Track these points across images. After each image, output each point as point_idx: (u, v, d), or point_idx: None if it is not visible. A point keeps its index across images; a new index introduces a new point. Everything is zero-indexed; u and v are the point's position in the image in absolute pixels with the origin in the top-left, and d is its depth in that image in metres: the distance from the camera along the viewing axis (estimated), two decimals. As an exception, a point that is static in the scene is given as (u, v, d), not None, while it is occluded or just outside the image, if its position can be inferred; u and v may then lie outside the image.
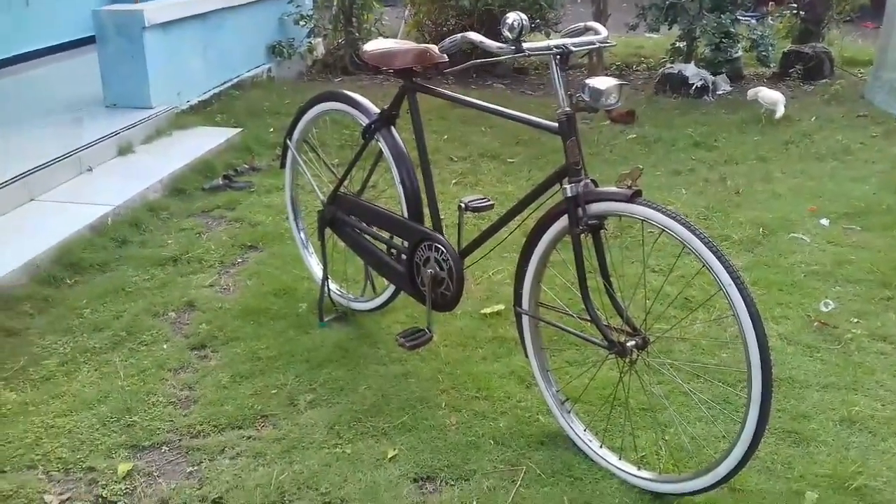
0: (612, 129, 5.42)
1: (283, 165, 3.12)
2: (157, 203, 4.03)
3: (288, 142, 3.02)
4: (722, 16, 6.40)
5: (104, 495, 2.08)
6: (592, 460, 2.21)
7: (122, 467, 2.17)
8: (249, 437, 2.30)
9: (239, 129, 5.16)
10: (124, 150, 4.62)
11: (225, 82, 6.14)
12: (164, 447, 2.27)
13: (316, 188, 2.96)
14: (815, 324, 2.91)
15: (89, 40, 5.93)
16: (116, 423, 2.36)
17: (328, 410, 2.43)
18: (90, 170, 4.30)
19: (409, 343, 2.44)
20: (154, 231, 3.75)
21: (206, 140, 4.91)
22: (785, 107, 5.45)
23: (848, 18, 7.41)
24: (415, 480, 2.15)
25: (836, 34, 7.45)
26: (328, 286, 2.95)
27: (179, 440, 2.30)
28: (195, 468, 2.18)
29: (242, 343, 2.79)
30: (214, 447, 2.26)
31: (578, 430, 2.26)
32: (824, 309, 2.99)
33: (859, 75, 6.81)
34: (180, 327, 2.92)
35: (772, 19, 7.74)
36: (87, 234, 3.55)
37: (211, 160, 4.63)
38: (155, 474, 2.16)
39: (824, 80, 6.65)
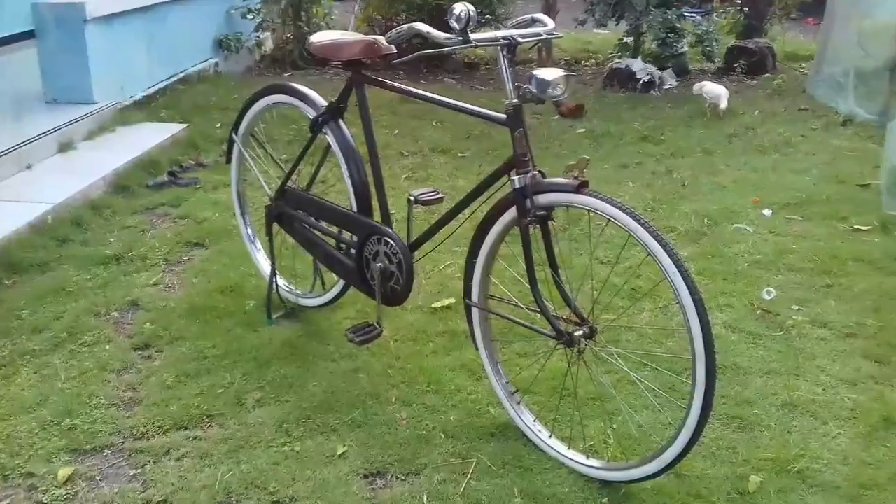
0: (562, 124, 5.46)
1: (228, 161, 3.07)
2: (99, 200, 3.93)
3: (234, 136, 2.97)
4: (668, 12, 6.50)
5: (44, 501, 2.02)
6: (542, 450, 2.22)
7: (63, 472, 2.11)
8: (195, 438, 2.26)
9: (185, 125, 5.07)
10: (65, 147, 4.50)
11: (170, 77, 6.03)
12: (107, 450, 2.21)
13: (263, 183, 2.91)
14: (758, 312, 2.97)
15: (29, 34, 5.76)
16: (57, 426, 2.29)
17: (276, 408, 2.40)
18: (30, 167, 4.18)
19: (358, 338, 2.42)
20: (96, 229, 3.65)
21: (151, 136, 4.81)
22: (728, 101, 5.55)
23: (792, 16, 7.59)
24: (365, 476, 2.13)
25: (778, 30, 7.62)
26: (276, 282, 2.91)
27: (122, 443, 2.24)
28: (139, 471, 2.13)
29: (188, 342, 2.74)
30: (159, 449, 2.21)
31: (528, 421, 2.27)
32: (767, 297, 3.06)
33: (801, 70, 6.98)
34: (123, 327, 2.86)
35: (716, 15, 7.89)
36: (26, 233, 3.45)
37: (156, 156, 4.54)
38: (97, 478, 2.11)
39: (767, 75, 6.80)
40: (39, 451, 2.18)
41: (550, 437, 2.23)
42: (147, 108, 5.45)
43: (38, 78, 5.13)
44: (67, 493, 2.05)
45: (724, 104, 5.51)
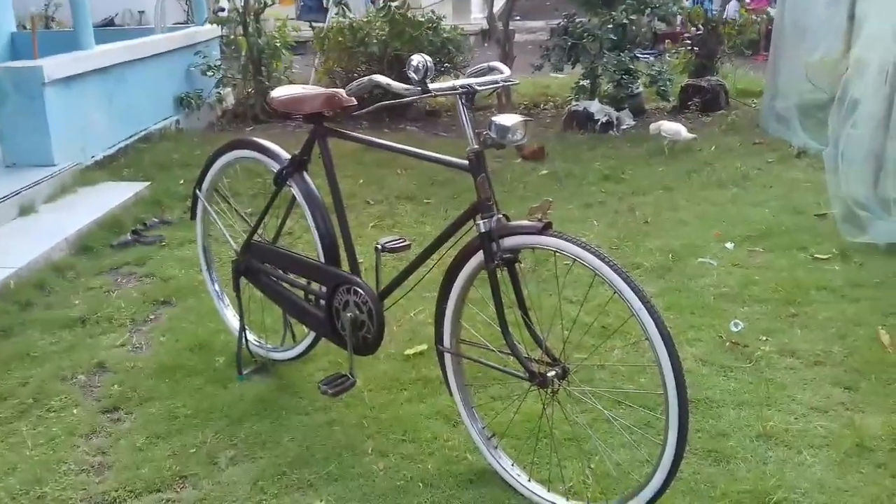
0: (524, 167, 5.53)
1: (193, 217, 3.06)
2: (62, 262, 3.88)
3: (198, 192, 2.97)
4: (621, 54, 6.67)
5: (12, 575, 1.96)
6: (522, 494, 2.21)
7: (32, 543, 2.05)
8: (169, 500, 2.21)
9: (147, 183, 5.05)
10: (26, 210, 4.45)
11: (132, 136, 6.02)
12: (77, 518, 2.16)
13: (229, 238, 2.90)
14: (727, 344, 3.00)
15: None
16: (25, 495, 2.23)
17: (251, 466, 2.36)
18: (-11, 232, 4.12)
19: (332, 390, 2.40)
20: (60, 292, 3.60)
21: (114, 195, 4.78)
22: (689, 132, 5.71)
23: (745, 53, 7.83)
24: (344, 530, 2.10)
25: (729, 67, 7.86)
26: (246, 337, 2.88)
27: (93, 509, 2.18)
28: (111, 537, 2.08)
29: (158, 402, 2.69)
30: (131, 513, 2.16)
31: (506, 465, 2.25)
32: (734, 329, 3.10)
33: (753, 105, 7.19)
34: (91, 390, 2.80)
35: (668, 56, 8.14)
36: (-13, 298, 3.39)
37: (119, 215, 4.51)
38: (67, 547, 2.05)
39: (721, 111, 6.98)
40: (6, 524, 2.12)
41: (529, 480, 2.21)
42: (109, 167, 5.43)
43: (-2, 140, 5.09)
44: (36, 566, 1.99)
45: (686, 134, 5.67)
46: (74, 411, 2.65)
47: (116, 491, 2.25)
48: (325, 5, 8.70)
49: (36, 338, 3.14)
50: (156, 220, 4.55)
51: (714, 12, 8.17)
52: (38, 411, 2.65)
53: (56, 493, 2.24)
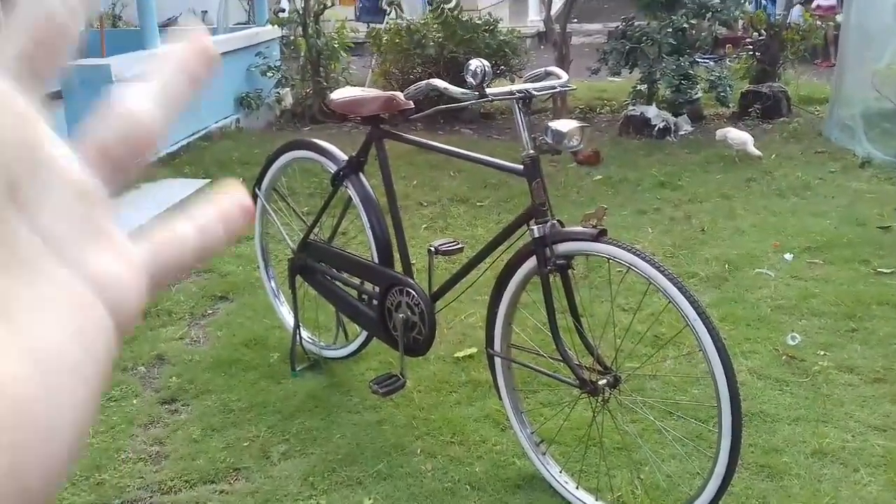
0: (579, 171, 5.50)
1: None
2: (125, 256, 3.99)
3: (257, 191, 3.03)
4: (681, 59, 6.58)
5: (72, 557, 2.03)
6: (569, 502, 2.20)
7: (91, 527, 2.12)
8: (222, 492, 2.27)
9: (208, 180, 5.17)
10: (92, 204, 4.59)
11: (193, 134, 6.16)
12: (135, 505, 2.23)
13: (286, 236, 2.96)
14: (784, 357, 2.95)
15: (56, 95, 5.93)
16: (85, 481, 2.31)
17: (302, 461, 2.40)
18: (57, 224, 4.27)
19: (382, 390, 2.43)
20: (122, 284, 3.70)
21: (176, 191, 4.91)
22: (755, 146, 5.57)
23: (811, 59, 7.63)
24: (391, 529, 2.12)
25: (791, 73, 7.68)
26: (300, 335, 2.93)
27: (150, 497, 2.25)
28: (166, 525, 2.14)
29: (213, 395, 2.76)
30: (186, 503, 2.22)
31: (554, 472, 2.25)
32: (791, 342, 3.03)
33: (816, 113, 7.01)
34: (150, 381, 2.88)
35: (729, 61, 7.99)
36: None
37: (180, 212, 4.62)
38: (125, 533, 2.12)
39: (782, 119, 6.83)
40: (68, 508, 2.20)
41: (577, 488, 2.21)
42: (171, 164, 5.57)
43: (64, 138, 5.26)
44: (95, 550, 2.06)
45: (752, 148, 5.52)
46: (134, 401, 2.74)
47: (172, 480, 2.31)
48: (382, 6, 8.78)
49: (99, 328, 3.24)
50: (215, 216, 4.65)
51: (777, 17, 8.00)
52: (100, 400, 2.73)
53: (114, 479, 2.32)
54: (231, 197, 0.34)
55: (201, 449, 2.46)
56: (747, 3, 7.94)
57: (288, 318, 3.09)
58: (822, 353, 2.97)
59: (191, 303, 3.51)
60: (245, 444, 2.48)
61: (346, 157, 2.70)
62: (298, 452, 2.44)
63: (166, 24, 9.76)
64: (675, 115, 6.56)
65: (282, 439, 2.51)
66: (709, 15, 6.84)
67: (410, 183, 5.17)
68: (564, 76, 2.29)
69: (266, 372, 2.90)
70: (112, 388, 2.80)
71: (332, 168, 2.70)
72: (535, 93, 2.16)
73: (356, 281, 2.73)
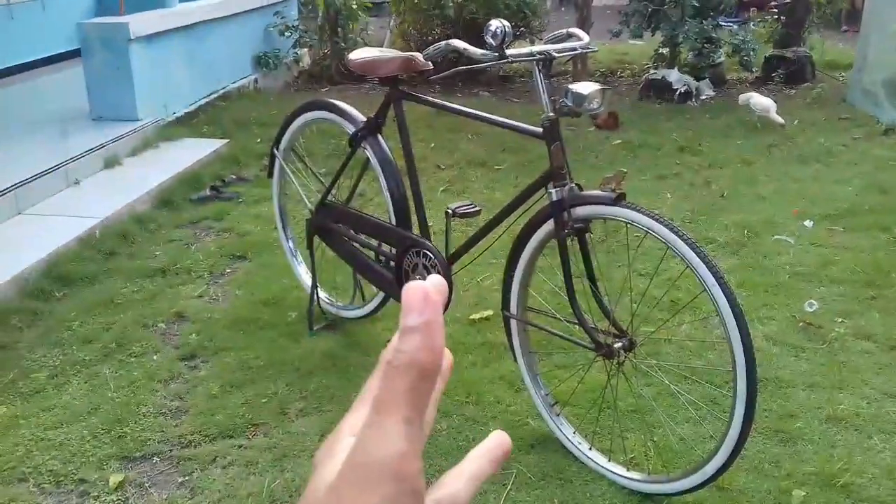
0: (598, 135, 5.46)
1: (270, 175, 3.13)
2: (144, 215, 4.03)
3: (275, 151, 3.04)
4: (704, 21, 6.47)
5: (96, 507, 2.09)
6: (582, 462, 2.23)
7: (114, 479, 2.17)
8: (241, 447, 2.31)
9: (226, 140, 5.17)
10: (111, 163, 4.62)
11: (211, 93, 6.16)
12: (156, 458, 2.27)
13: (304, 197, 2.97)
14: (801, 324, 2.94)
15: (75, 53, 5.93)
16: (107, 434, 2.36)
17: (319, 418, 2.44)
18: (77, 183, 4.30)
19: (398, 349, 2.44)
20: (142, 243, 3.75)
21: (194, 151, 4.92)
22: (778, 112, 5.49)
23: (837, 24, 7.46)
24: (406, 486, 2.16)
25: (816, 38, 7.54)
26: (317, 294, 2.96)
27: (171, 451, 2.30)
28: (187, 478, 2.19)
29: (232, 353, 2.79)
30: (206, 457, 2.26)
31: (568, 433, 2.27)
32: (809, 309, 3.03)
33: (840, 79, 6.89)
34: (170, 338, 2.93)
35: (753, 24, 7.83)
36: (75, 246, 3.55)
37: (198, 171, 4.64)
38: (146, 485, 2.17)
39: (806, 84, 6.72)
40: (91, 459, 2.25)
41: (591, 449, 2.23)
42: (189, 124, 5.58)
43: (84, 96, 5.28)
44: (118, 499, 2.11)
45: (775, 115, 5.44)
46: (154, 357, 2.78)
47: (192, 435, 2.36)
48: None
49: (119, 286, 3.29)
50: (233, 176, 4.68)
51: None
52: (121, 356, 2.79)
53: (135, 433, 2.37)
54: (496, 445, 0.45)
55: (220, 405, 2.50)
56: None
57: (305, 277, 3.11)
58: (840, 320, 2.96)
59: (210, 261, 3.54)
60: (263, 400, 2.52)
61: (364, 119, 2.69)
62: (315, 410, 2.48)
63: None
64: (697, 79, 6.47)
65: (299, 397, 2.54)
66: (734, -23, 6.70)
67: (428, 145, 5.15)
68: (586, 38, 2.25)
69: (284, 331, 2.93)
70: (133, 343, 2.85)
71: (351, 129, 2.69)
72: (556, 54, 2.14)
73: (374, 242, 2.74)
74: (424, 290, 0.37)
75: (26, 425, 2.39)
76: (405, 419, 0.36)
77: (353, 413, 0.42)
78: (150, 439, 2.34)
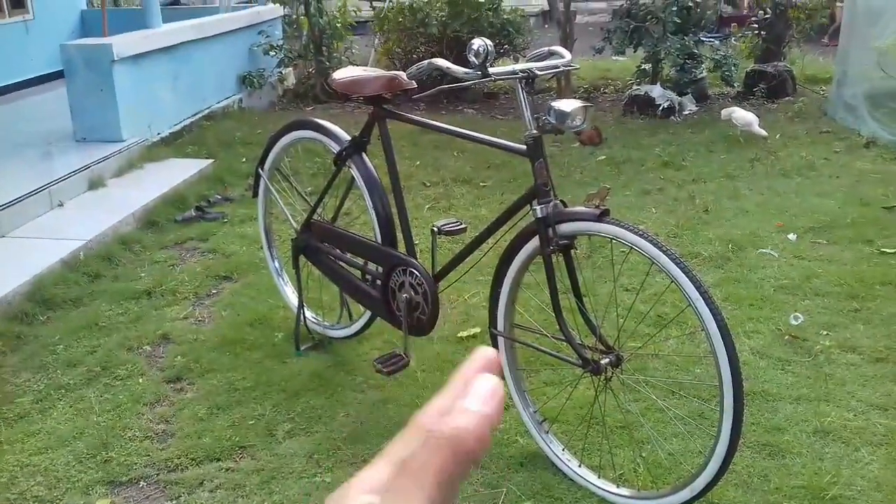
0: (582, 151, 5.49)
1: (255, 195, 3.13)
2: (129, 236, 4.01)
3: (260, 171, 3.03)
4: (685, 37, 6.54)
5: (81, 533, 2.06)
6: (572, 480, 2.22)
7: (100, 504, 2.15)
8: (228, 469, 2.29)
9: (211, 160, 5.16)
10: (95, 184, 4.60)
11: (196, 113, 6.15)
12: (142, 482, 2.25)
13: (289, 216, 2.96)
14: (786, 337, 2.95)
15: (58, 74, 5.92)
16: (93, 459, 2.33)
17: (307, 439, 2.42)
18: (61, 204, 4.28)
19: (386, 369, 2.44)
20: (127, 264, 3.73)
21: (178, 172, 4.91)
22: (760, 126, 5.55)
23: (817, 38, 7.54)
24: (395, 506, 2.14)
25: (797, 53, 7.63)
26: (304, 314, 2.95)
27: (157, 474, 2.28)
28: (174, 502, 2.17)
29: (219, 374, 2.78)
30: (193, 480, 2.24)
31: (557, 450, 2.27)
32: (794, 322, 3.04)
33: (821, 93, 6.97)
34: (156, 360, 2.90)
35: (734, 40, 7.93)
36: (59, 269, 3.53)
37: (183, 192, 4.63)
38: (132, 510, 2.14)
39: (787, 98, 6.80)
40: (76, 484, 2.22)
41: (580, 466, 2.23)
42: (173, 144, 5.57)
43: (67, 117, 5.27)
44: (103, 526, 2.08)
45: (757, 129, 5.49)
46: (140, 380, 2.76)
47: (179, 458, 2.34)
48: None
49: (104, 308, 3.27)
50: (218, 196, 4.67)
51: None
52: (106, 379, 2.76)
53: (121, 457, 2.34)
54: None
55: (207, 427, 2.48)
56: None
57: (292, 297, 3.10)
58: (825, 332, 2.98)
59: (195, 282, 3.52)
60: (250, 422, 2.50)
61: (348, 137, 2.69)
62: (303, 431, 2.47)
63: (169, 4, 9.72)
64: (680, 94, 6.53)
65: (287, 418, 2.53)
66: (714, -7, 6.78)
67: (413, 163, 5.17)
68: (568, 55, 2.28)
69: (271, 351, 2.92)
70: (118, 367, 2.83)
71: (335, 148, 2.70)
72: (538, 72, 2.15)
73: (360, 261, 2.74)
74: (497, 386, 0.38)
75: (10, 451, 2.36)
76: (429, 499, 0.35)
77: (371, 469, 0.40)
78: (136, 463, 2.32)
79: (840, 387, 2.64)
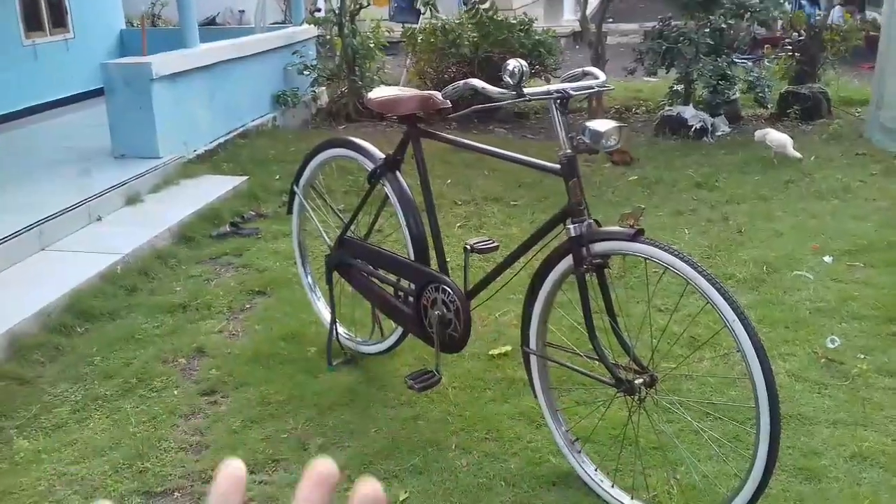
0: (614, 171, 5.48)
1: (290, 211, 3.17)
2: (165, 251, 4.07)
3: (295, 188, 3.07)
4: (718, 59, 6.52)
5: (116, 543, 2.08)
6: (604, 500, 2.21)
7: (134, 514, 2.17)
8: (262, 482, 2.31)
9: (245, 177, 5.24)
10: (133, 200, 4.69)
11: (231, 131, 6.25)
12: (177, 493, 2.28)
13: (323, 233, 3.00)
14: (822, 360, 2.91)
15: (98, 92, 6.05)
16: (128, 469, 2.36)
17: (339, 454, 2.43)
18: (99, 219, 4.36)
19: (418, 385, 2.45)
20: (163, 278, 3.78)
21: (213, 188, 4.98)
22: (795, 148, 5.50)
23: (851, 61, 7.47)
24: (426, 523, 2.14)
25: (831, 75, 7.57)
26: (336, 330, 2.97)
27: (191, 486, 2.30)
28: (207, 514, 2.18)
29: (252, 388, 2.80)
30: (226, 492, 2.25)
31: (589, 470, 2.26)
32: (830, 345, 3.00)
33: (857, 115, 6.90)
34: (190, 373, 2.94)
35: (768, 61, 7.88)
36: (97, 282, 3.59)
37: (218, 208, 4.70)
38: (167, 521, 2.17)
39: (822, 120, 6.73)
40: (112, 494, 2.26)
41: (613, 486, 2.21)
42: (209, 161, 5.65)
43: (106, 134, 5.38)
44: (138, 536, 2.11)
45: (792, 150, 5.45)
46: (175, 392, 2.79)
47: (213, 470, 2.35)
48: (417, 6, 8.83)
49: (140, 321, 3.32)
50: (252, 213, 4.73)
51: (817, 17, 7.88)
52: (142, 391, 2.80)
53: (157, 468, 2.37)
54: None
55: (241, 440, 2.50)
56: (786, 4, 7.83)
57: (324, 313, 3.13)
58: (862, 356, 2.93)
59: (229, 297, 3.56)
60: (283, 436, 2.52)
61: (382, 156, 2.72)
62: (335, 445, 2.48)
63: (205, 24, 9.91)
64: (713, 115, 6.50)
65: (319, 432, 2.54)
66: (748, 15, 6.76)
67: (445, 181, 5.19)
68: (602, 76, 2.29)
69: (303, 366, 2.94)
70: (153, 379, 2.86)
71: (370, 166, 2.73)
72: (573, 93, 2.17)
73: (392, 278, 2.76)
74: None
75: (48, 460, 2.40)
76: None
77: None
78: (171, 474, 2.34)
79: (878, 411, 2.60)
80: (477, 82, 2.18)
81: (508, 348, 3.00)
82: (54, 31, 7.46)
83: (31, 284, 3.50)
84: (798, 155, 5.45)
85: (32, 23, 7.16)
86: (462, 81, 2.23)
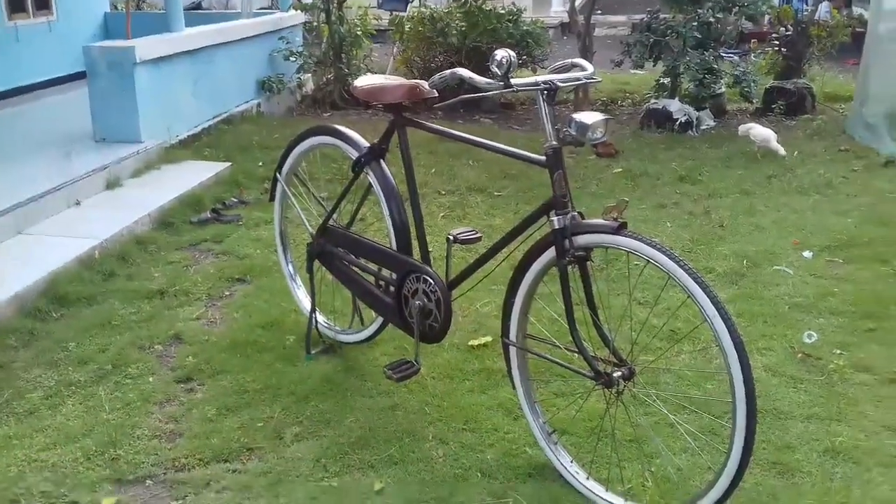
0: (599, 164, 5.48)
1: (272, 198, 3.14)
2: (144, 236, 4.03)
3: (278, 175, 3.05)
4: (705, 53, 6.53)
5: (88, 530, 2.06)
6: (579, 492, 2.21)
7: (106, 501, 2.15)
8: (235, 471, 2.29)
9: (228, 164, 5.19)
10: (113, 184, 4.63)
11: (214, 117, 6.19)
12: (149, 481, 2.25)
13: (305, 221, 2.97)
14: (799, 355, 2.93)
15: (80, 75, 5.97)
16: (101, 456, 2.34)
17: (315, 443, 2.42)
18: (78, 203, 4.31)
19: (396, 375, 2.44)
20: (141, 264, 3.75)
21: (195, 174, 4.93)
22: (778, 142, 5.52)
23: (838, 56, 7.51)
24: (402, 513, 2.14)
25: (817, 70, 7.59)
26: (316, 318, 2.95)
27: (164, 474, 2.28)
28: (180, 502, 2.17)
29: (229, 376, 2.78)
30: (200, 481, 2.24)
31: (565, 462, 2.26)
32: (808, 341, 3.02)
33: (840, 111, 6.94)
34: (167, 360, 2.91)
35: (754, 56, 7.90)
36: (74, 267, 3.55)
37: (200, 194, 4.65)
38: (139, 508, 2.15)
39: (806, 116, 6.76)
40: (83, 481, 2.23)
41: (588, 478, 2.21)
42: (192, 147, 5.60)
43: (88, 118, 5.31)
44: (110, 524, 2.09)
45: (775, 145, 5.48)
46: (150, 379, 2.77)
47: (186, 458, 2.34)
48: (405, -6, 8.80)
49: (117, 307, 3.28)
50: (234, 199, 4.69)
51: (804, 13, 7.90)
52: (116, 377, 2.77)
53: (129, 456, 2.35)
54: None
55: (216, 428, 2.48)
56: (774, -1, 7.85)
57: (304, 301, 3.11)
58: (839, 351, 2.95)
59: (208, 284, 3.53)
60: (259, 424, 2.50)
61: (367, 144, 2.70)
62: (311, 434, 2.46)
63: (191, 8, 9.81)
64: (698, 109, 6.51)
65: (295, 421, 2.53)
66: (735, 9, 6.77)
67: (429, 171, 5.17)
68: (590, 68, 2.28)
69: (281, 354, 2.92)
70: (129, 365, 2.84)
71: (354, 154, 2.71)
72: (561, 84, 2.15)
73: (374, 267, 2.74)
74: None
75: (19, 446, 2.38)
76: None
77: None
78: (143, 462, 2.32)
79: (853, 407, 2.62)
80: (464, 72, 2.16)
81: (488, 339, 2.99)
82: (37, 13, 7.36)
83: (7, 268, 3.45)
84: (781, 150, 5.48)
85: (16, 4, 7.05)
86: (449, 71, 2.21)
